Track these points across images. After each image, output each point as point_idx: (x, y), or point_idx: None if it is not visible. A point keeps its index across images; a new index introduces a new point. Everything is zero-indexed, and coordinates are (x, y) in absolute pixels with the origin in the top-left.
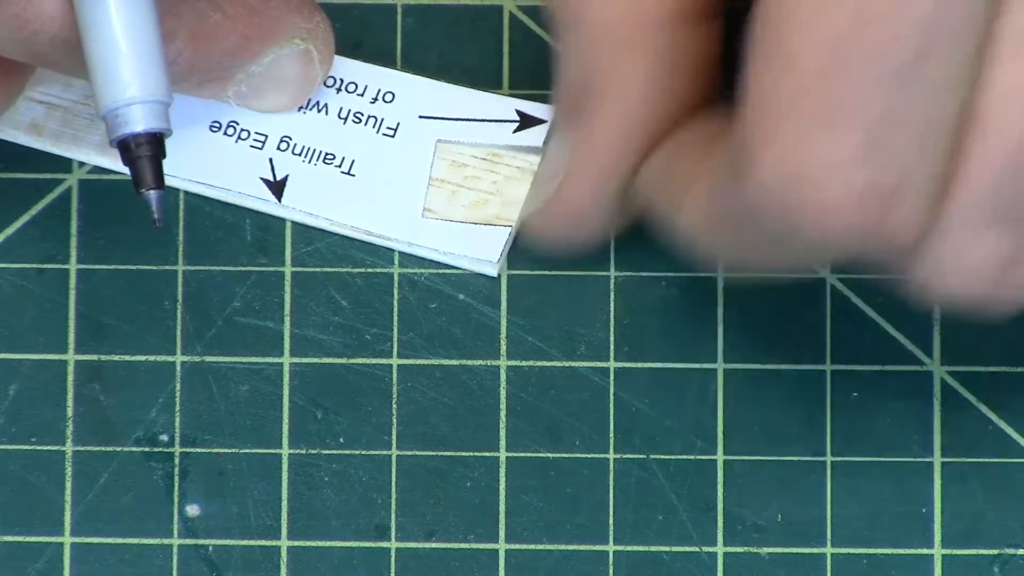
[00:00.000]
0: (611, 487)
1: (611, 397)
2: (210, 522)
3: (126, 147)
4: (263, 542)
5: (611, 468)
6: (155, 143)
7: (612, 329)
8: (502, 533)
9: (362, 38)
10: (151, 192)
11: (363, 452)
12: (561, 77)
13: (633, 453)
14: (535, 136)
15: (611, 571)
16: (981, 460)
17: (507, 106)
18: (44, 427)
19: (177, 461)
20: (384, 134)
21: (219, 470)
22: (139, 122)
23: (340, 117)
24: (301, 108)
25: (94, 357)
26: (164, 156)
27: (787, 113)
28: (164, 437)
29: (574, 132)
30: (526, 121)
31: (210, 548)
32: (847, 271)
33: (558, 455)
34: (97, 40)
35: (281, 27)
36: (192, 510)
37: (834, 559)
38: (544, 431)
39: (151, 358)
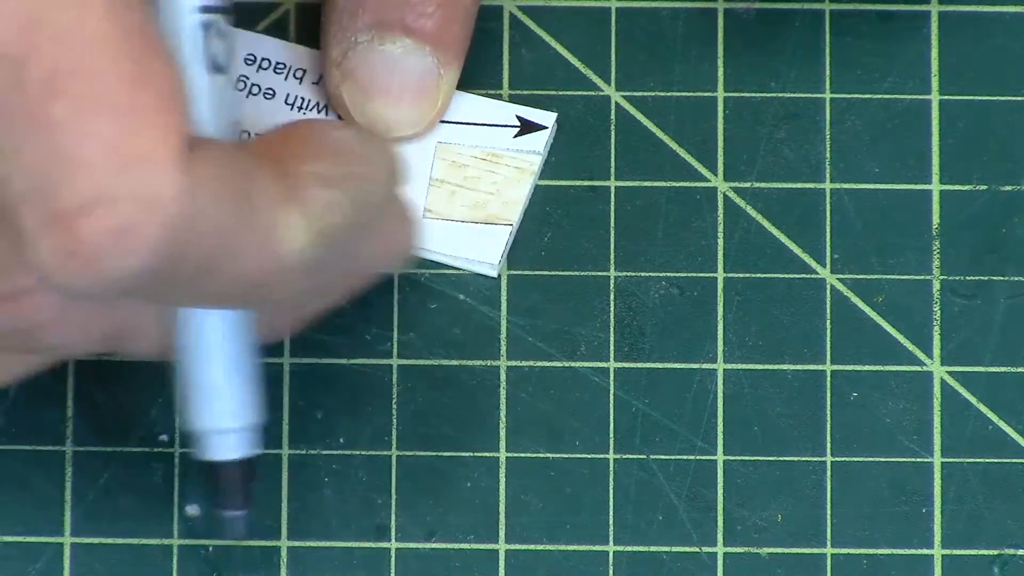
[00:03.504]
0: (611, 487)
1: (611, 397)
2: (210, 522)
3: (215, 469)
4: (263, 542)
5: (611, 468)
6: (246, 467)
7: (612, 329)
8: (502, 533)
9: None
10: (237, 513)
11: (363, 452)
12: None
13: (633, 453)
14: (535, 141)
15: (611, 571)
16: (981, 460)
17: (508, 111)
18: (44, 427)
19: (177, 461)
20: None
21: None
22: (233, 450)
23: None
24: (301, 109)
25: (94, 357)
26: (254, 477)
27: None
28: (164, 437)
29: None
30: (526, 127)
31: (210, 548)
32: (846, 271)
33: (558, 455)
34: (194, 364)
35: (375, 273)
36: (192, 510)
37: (834, 559)
38: (544, 431)
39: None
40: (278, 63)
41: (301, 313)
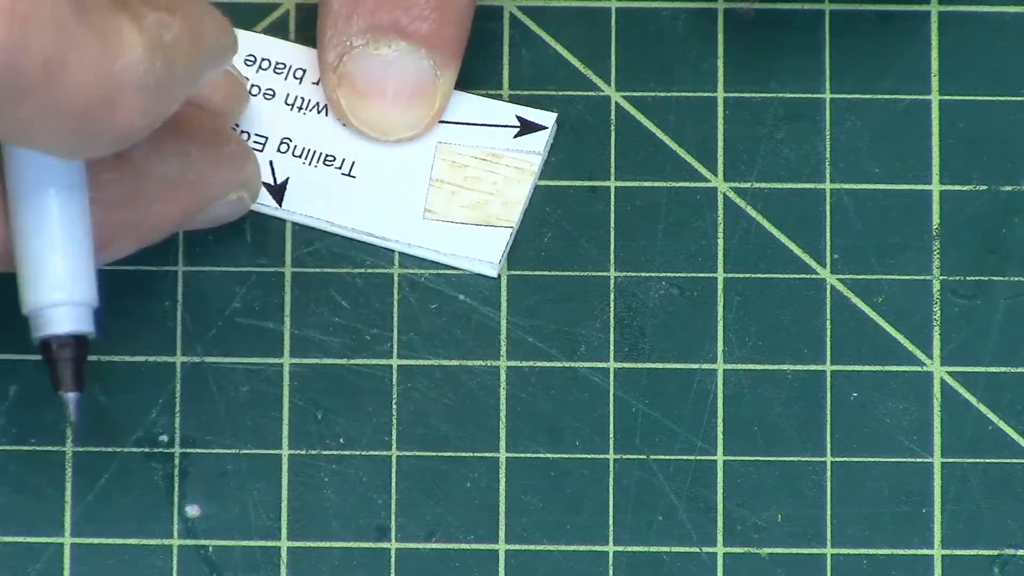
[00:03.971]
0: (611, 487)
1: (611, 397)
2: (210, 522)
3: (47, 347)
4: (263, 542)
5: (611, 468)
6: (77, 345)
7: (612, 329)
8: (502, 533)
9: None
10: (69, 394)
11: (363, 452)
12: None
13: (633, 453)
14: (535, 141)
15: (611, 571)
16: (981, 460)
17: (508, 112)
18: (44, 427)
19: (177, 461)
20: None
21: (219, 470)
22: (63, 324)
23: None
24: (301, 109)
25: (94, 357)
26: (85, 359)
27: None
28: (164, 437)
29: None
30: (526, 127)
31: (210, 548)
32: (846, 271)
33: (558, 455)
34: (28, 242)
35: (213, 192)
36: (192, 510)
37: (834, 559)
38: (544, 431)
39: (151, 358)
40: (278, 63)
41: (147, 215)
